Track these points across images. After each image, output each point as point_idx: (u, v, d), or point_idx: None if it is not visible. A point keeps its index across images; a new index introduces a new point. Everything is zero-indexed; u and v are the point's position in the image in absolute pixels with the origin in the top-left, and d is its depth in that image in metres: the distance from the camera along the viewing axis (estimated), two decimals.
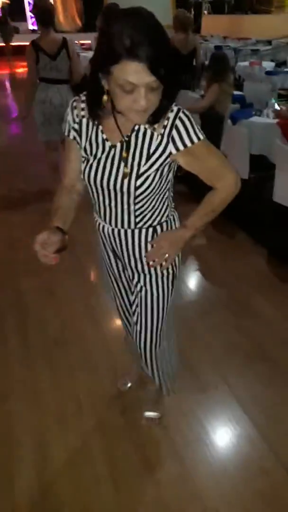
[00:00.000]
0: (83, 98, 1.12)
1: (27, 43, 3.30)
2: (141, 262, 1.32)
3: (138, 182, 1.11)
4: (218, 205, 1.21)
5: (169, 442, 1.66)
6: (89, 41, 9.70)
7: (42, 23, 3.27)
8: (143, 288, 1.36)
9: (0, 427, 1.73)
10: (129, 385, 1.90)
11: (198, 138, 1.08)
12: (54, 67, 3.27)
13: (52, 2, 9.31)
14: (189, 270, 2.85)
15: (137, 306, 1.41)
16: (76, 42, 9.37)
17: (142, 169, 1.10)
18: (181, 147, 1.08)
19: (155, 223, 1.25)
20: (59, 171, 3.33)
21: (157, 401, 1.79)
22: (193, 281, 2.74)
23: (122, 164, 1.11)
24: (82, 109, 1.14)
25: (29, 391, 1.89)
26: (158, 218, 1.25)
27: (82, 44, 9.78)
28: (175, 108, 1.06)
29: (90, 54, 7.23)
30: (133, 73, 0.90)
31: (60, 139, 3.10)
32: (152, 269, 1.32)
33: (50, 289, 2.58)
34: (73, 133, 1.17)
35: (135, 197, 1.14)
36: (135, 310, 1.42)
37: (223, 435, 1.69)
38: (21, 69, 12.68)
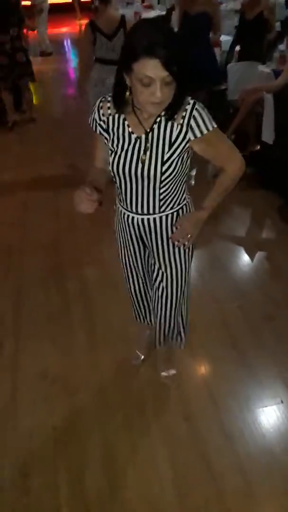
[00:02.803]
0: (109, 98, 1.29)
1: None
2: (168, 244, 1.51)
3: (164, 168, 1.28)
4: (229, 185, 1.42)
5: (232, 454, 1.69)
6: None
7: None
8: (169, 265, 1.56)
9: (68, 421, 1.83)
10: (142, 357, 2.08)
11: (212, 127, 1.26)
12: (110, 47, 3.18)
13: None
14: (254, 268, 2.76)
15: (161, 281, 1.61)
16: None
17: (166, 156, 1.27)
18: (198, 134, 1.25)
19: (177, 206, 1.44)
20: None
21: (170, 359, 2.03)
22: (258, 280, 2.64)
23: (148, 153, 1.28)
24: (109, 108, 1.31)
25: (97, 386, 1.98)
26: (178, 201, 1.43)
27: None
28: (191, 101, 1.23)
29: None
30: (150, 69, 1.07)
31: None
32: (176, 248, 1.52)
33: (112, 280, 2.55)
34: (99, 129, 1.35)
35: (161, 182, 1.31)
36: (159, 286, 1.63)
37: None
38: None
